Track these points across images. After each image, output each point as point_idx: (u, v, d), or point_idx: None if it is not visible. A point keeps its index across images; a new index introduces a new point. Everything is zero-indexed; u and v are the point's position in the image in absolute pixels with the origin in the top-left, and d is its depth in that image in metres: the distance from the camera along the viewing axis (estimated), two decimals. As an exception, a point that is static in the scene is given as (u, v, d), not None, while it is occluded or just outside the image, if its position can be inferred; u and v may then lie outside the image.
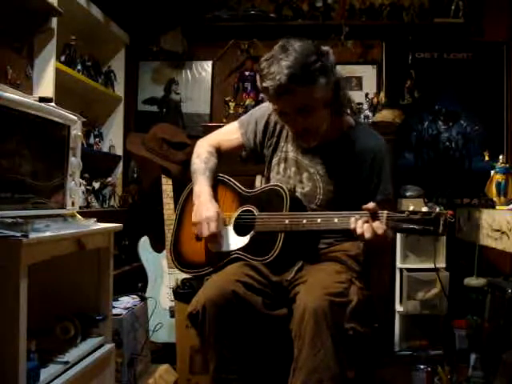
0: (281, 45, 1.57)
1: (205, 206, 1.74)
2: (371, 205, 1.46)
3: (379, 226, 1.44)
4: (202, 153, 1.89)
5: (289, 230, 1.60)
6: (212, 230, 1.70)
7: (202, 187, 1.80)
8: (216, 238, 1.72)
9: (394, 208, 1.48)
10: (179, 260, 1.84)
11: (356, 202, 1.50)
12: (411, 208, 1.42)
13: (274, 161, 1.82)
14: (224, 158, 1.93)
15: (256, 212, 1.72)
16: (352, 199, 1.54)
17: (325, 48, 1.61)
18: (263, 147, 1.86)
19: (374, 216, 1.45)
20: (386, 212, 1.44)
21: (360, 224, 1.47)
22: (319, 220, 1.56)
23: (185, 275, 2.02)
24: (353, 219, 1.48)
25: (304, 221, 1.59)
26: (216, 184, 1.85)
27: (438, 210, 1.39)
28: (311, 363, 1.40)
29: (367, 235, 1.45)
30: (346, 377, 1.44)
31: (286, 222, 1.61)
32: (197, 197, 1.79)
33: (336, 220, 1.53)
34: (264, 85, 1.55)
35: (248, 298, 1.55)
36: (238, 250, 1.70)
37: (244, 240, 1.71)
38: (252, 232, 1.70)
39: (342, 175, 1.70)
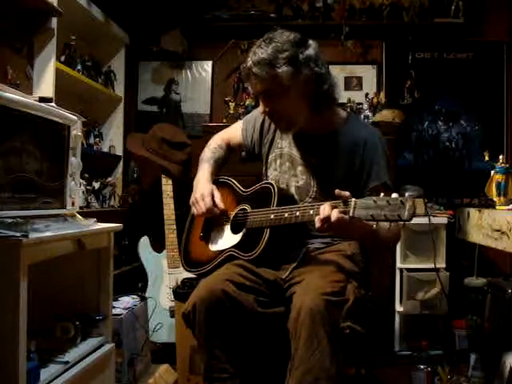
0: (268, 35, 1.62)
1: (200, 186, 1.80)
2: (346, 192, 1.43)
3: (334, 215, 1.40)
4: (212, 144, 1.96)
5: (273, 225, 1.62)
6: (207, 205, 1.74)
7: (202, 173, 1.86)
8: (213, 212, 1.75)
9: None
10: (187, 261, 1.89)
11: (351, 193, 1.47)
12: (381, 195, 1.36)
13: (271, 158, 1.84)
14: (233, 153, 2.00)
15: (249, 210, 1.75)
16: (346, 190, 1.50)
17: (310, 42, 1.64)
18: (260, 145, 1.88)
19: (344, 203, 1.42)
20: (353, 199, 1.41)
21: (327, 209, 1.43)
22: (298, 213, 1.58)
23: (185, 275, 2.03)
24: (321, 207, 1.46)
25: (286, 214, 1.60)
26: (219, 185, 1.87)
27: (406, 195, 1.35)
28: (307, 363, 1.40)
29: (333, 218, 1.41)
30: (342, 376, 1.44)
31: (272, 216, 1.63)
32: (196, 182, 1.84)
33: (311, 212, 1.54)
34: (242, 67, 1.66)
35: (238, 296, 1.55)
36: (231, 247, 1.73)
37: (237, 238, 1.74)
38: (244, 229, 1.73)
39: (336, 167, 1.70)
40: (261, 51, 1.58)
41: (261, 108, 1.70)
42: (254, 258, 1.64)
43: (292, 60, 1.58)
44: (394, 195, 1.34)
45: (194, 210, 1.80)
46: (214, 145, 1.95)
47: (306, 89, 1.62)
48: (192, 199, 1.80)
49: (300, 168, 1.76)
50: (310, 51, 1.62)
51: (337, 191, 1.43)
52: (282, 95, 1.61)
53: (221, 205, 1.76)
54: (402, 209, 1.31)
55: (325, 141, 1.72)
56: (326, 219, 1.42)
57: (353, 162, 1.68)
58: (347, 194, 1.43)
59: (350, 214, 1.40)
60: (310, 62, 1.61)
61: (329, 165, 1.71)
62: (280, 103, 1.63)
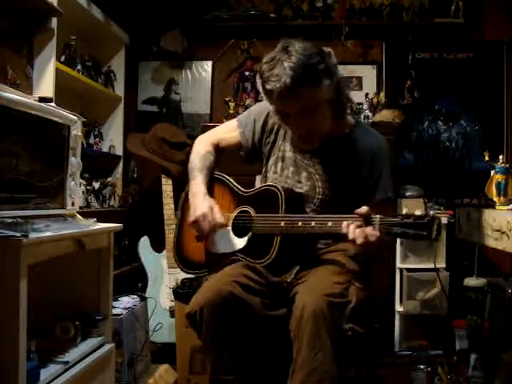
0: (282, 46, 1.54)
1: (198, 204, 1.73)
2: (364, 209, 1.43)
3: (372, 233, 1.40)
4: (200, 151, 1.87)
5: (285, 233, 1.60)
6: (212, 224, 1.70)
7: (197, 186, 1.79)
8: (216, 231, 1.72)
9: (394, 209, 1.45)
10: (182, 260, 1.84)
11: (355, 202, 1.48)
12: (404, 211, 1.38)
13: (272, 160, 1.81)
14: (224, 154, 1.92)
15: (253, 213, 1.71)
16: (351, 200, 1.52)
17: (327, 49, 1.59)
18: (261, 145, 1.84)
19: (366, 221, 1.42)
20: (378, 216, 1.40)
21: (352, 229, 1.43)
22: (313, 223, 1.55)
23: (185, 275, 2.02)
24: (345, 223, 1.45)
25: (299, 223, 1.57)
26: (213, 183, 1.84)
27: (431, 213, 1.34)
28: (310, 364, 1.40)
29: (359, 240, 1.42)
30: (345, 377, 1.44)
31: (282, 224, 1.60)
32: (192, 196, 1.79)
33: (330, 224, 1.51)
34: (267, 87, 1.53)
35: (245, 298, 1.54)
36: (237, 251, 1.70)
37: (242, 242, 1.71)
38: (250, 234, 1.70)
39: (341, 175, 1.68)
40: (290, 65, 1.48)
41: (298, 128, 1.63)
42: (265, 266, 1.62)
43: (327, 71, 1.54)
44: (419, 212, 1.35)
45: (197, 231, 1.75)
46: (203, 151, 1.86)
47: (334, 96, 1.60)
48: (192, 218, 1.73)
49: (304, 174, 1.73)
50: (334, 59, 1.59)
51: (356, 211, 1.43)
52: (320, 108, 1.58)
53: (222, 221, 1.72)
54: (429, 228, 1.32)
55: (332, 146, 1.70)
56: (367, 237, 1.42)
57: (360, 171, 1.66)
58: (364, 210, 1.42)
59: (377, 233, 1.41)
60: (335, 69, 1.58)
61: (335, 173, 1.69)
62: (318, 117, 1.60)
